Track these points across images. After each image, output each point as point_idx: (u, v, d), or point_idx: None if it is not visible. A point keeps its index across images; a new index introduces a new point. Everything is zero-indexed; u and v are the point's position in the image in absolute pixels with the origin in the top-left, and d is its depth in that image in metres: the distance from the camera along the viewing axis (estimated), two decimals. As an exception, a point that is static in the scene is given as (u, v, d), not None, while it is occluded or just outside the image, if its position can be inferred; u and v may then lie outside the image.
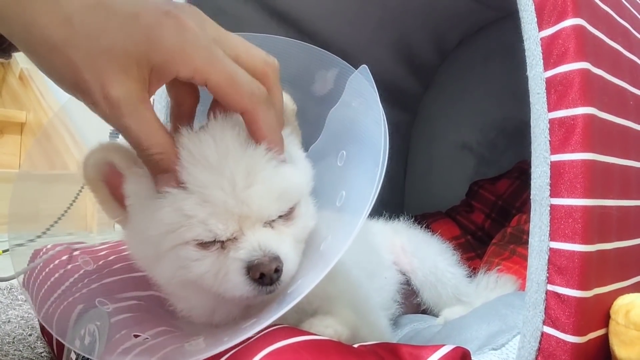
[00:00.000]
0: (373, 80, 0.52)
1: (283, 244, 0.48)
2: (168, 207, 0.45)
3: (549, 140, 0.48)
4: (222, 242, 0.47)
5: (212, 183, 0.45)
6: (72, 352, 0.62)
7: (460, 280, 0.79)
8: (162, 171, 0.46)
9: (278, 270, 0.46)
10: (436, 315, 0.78)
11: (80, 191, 0.84)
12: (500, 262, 0.89)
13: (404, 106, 1.39)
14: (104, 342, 0.57)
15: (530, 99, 0.50)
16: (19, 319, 0.99)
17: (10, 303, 1.11)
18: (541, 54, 0.49)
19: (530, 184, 0.49)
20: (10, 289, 1.21)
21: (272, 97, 0.48)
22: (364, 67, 0.54)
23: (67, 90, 0.44)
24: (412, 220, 0.92)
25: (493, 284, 0.82)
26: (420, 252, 0.80)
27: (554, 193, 0.48)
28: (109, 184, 0.52)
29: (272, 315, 0.40)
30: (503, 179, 1.20)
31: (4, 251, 1.71)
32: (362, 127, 0.52)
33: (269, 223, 0.49)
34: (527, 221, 1.01)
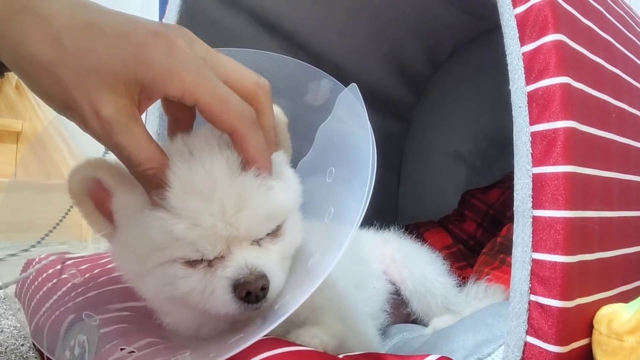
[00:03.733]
0: (362, 99, 0.53)
1: (270, 261, 0.48)
2: (157, 228, 0.46)
3: (531, 153, 0.49)
4: (210, 260, 0.48)
5: (202, 210, 0.45)
6: (62, 363, 0.63)
7: (450, 290, 0.80)
8: (156, 186, 0.46)
9: (264, 288, 0.47)
10: (426, 325, 0.78)
11: (64, 217, 0.85)
12: (490, 272, 0.90)
13: (397, 116, 1.40)
14: (93, 354, 0.57)
15: (513, 113, 0.51)
16: (12, 328, 0.99)
17: (4, 312, 1.11)
18: (523, 69, 0.50)
19: (517, 195, 0.50)
20: (4, 298, 1.21)
21: (261, 119, 0.48)
22: (353, 86, 0.55)
23: (57, 110, 0.44)
24: (404, 229, 0.92)
25: (482, 294, 0.82)
26: (409, 262, 0.80)
27: (536, 205, 0.49)
28: (94, 198, 0.52)
29: (257, 333, 0.41)
30: (494, 189, 1.21)
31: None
32: (351, 145, 0.53)
33: (256, 241, 0.49)
34: (517, 231, 1.01)
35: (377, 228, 0.92)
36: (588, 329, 0.51)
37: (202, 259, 0.47)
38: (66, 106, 0.42)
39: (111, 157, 0.48)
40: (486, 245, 1.04)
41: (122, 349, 0.52)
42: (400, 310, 0.79)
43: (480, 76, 1.30)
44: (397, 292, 0.79)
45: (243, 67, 0.48)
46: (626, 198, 0.58)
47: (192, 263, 0.48)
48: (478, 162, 1.32)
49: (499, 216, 1.15)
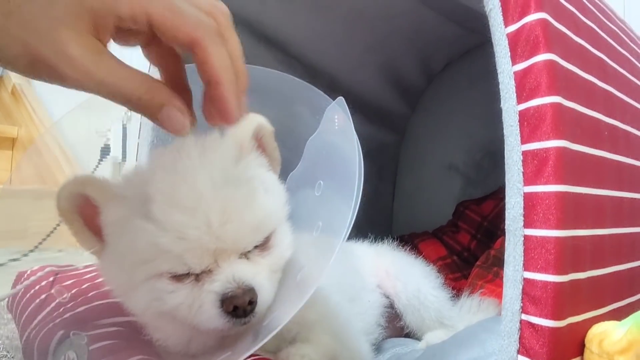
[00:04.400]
0: (349, 112, 0.53)
1: (258, 275, 0.48)
2: (144, 240, 0.46)
3: (522, 172, 0.49)
4: (197, 274, 0.48)
5: (187, 223, 0.45)
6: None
7: (443, 304, 0.80)
8: (159, 108, 0.44)
9: (252, 302, 0.47)
10: (419, 339, 0.78)
11: (53, 231, 0.84)
12: (484, 285, 0.90)
13: (391, 127, 1.40)
14: (83, 370, 0.57)
15: (504, 131, 0.51)
16: (4, 338, 0.98)
17: (-5, 323, 1.10)
18: (514, 88, 0.50)
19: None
20: (-4, 308, 1.20)
21: (224, 38, 0.45)
22: (341, 99, 0.56)
23: (27, 72, 0.42)
24: (398, 239, 0.92)
25: (476, 308, 0.82)
26: (403, 275, 0.80)
27: (527, 224, 0.49)
28: (83, 215, 0.52)
29: (245, 350, 0.41)
30: (488, 200, 1.21)
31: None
32: (339, 158, 0.53)
33: (245, 254, 0.49)
34: (511, 244, 1.01)
35: (372, 239, 0.92)
36: (579, 348, 0.51)
37: (189, 273, 0.47)
38: (34, 62, 0.41)
39: (100, 172, 0.48)
40: (480, 257, 1.04)
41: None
42: (394, 324, 0.79)
43: (474, 88, 1.30)
44: (391, 305, 0.79)
45: None
46: (618, 215, 0.58)
47: (179, 277, 0.47)
48: (472, 173, 1.32)
49: (493, 228, 1.15)
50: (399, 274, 0.80)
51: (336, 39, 1.09)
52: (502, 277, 0.91)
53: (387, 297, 0.79)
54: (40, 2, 0.39)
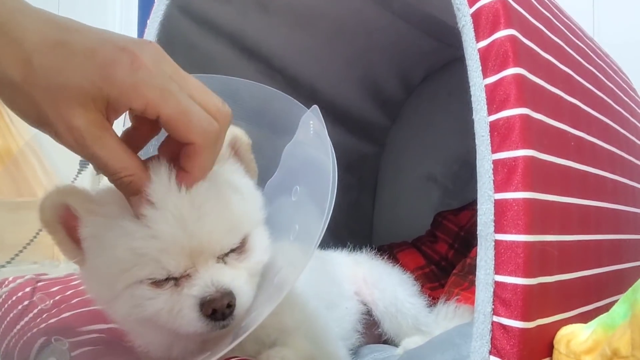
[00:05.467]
0: (323, 120, 0.55)
1: (237, 279, 0.50)
2: (120, 244, 0.47)
3: (493, 180, 0.52)
4: (176, 279, 0.49)
5: (157, 219, 0.47)
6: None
7: (420, 311, 0.82)
8: (134, 193, 0.47)
9: (231, 306, 0.48)
10: (397, 345, 0.80)
11: (33, 240, 0.84)
12: (460, 292, 0.92)
13: (372, 138, 1.43)
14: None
15: (476, 141, 0.54)
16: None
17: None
18: (485, 100, 0.53)
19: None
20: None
21: (219, 142, 0.49)
22: (315, 107, 0.57)
23: (32, 125, 0.46)
24: (378, 250, 0.94)
25: (452, 314, 0.84)
26: (381, 283, 0.82)
27: (498, 229, 0.51)
28: (65, 226, 0.53)
29: (223, 348, 0.42)
30: (465, 210, 1.24)
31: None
32: (314, 164, 0.55)
33: (222, 258, 0.50)
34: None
35: (351, 249, 0.93)
36: (549, 349, 0.53)
37: (168, 278, 0.48)
38: (40, 122, 0.44)
39: (78, 184, 0.49)
40: (457, 266, 1.06)
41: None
42: (372, 331, 0.81)
43: (452, 100, 1.34)
44: (368, 313, 0.81)
45: (210, 92, 0.49)
46: (584, 222, 0.61)
47: (158, 283, 0.48)
48: (450, 184, 1.35)
49: (470, 237, 1.18)
50: (377, 281, 0.82)
51: (317, 53, 1.11)
52: (477, 284, 0.94)
53: (365, 305, 0.81)
54: (60, 76, 0.42)
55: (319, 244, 0.46)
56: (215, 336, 0.50)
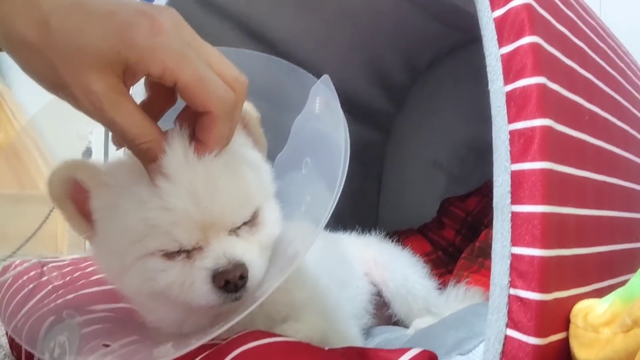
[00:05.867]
0: (334, 89, 0.54)
1: (249, 251, 0.49)
2: (131, 216, 0.46)
3: (509, 151, 0.51)
4: (188, 252, 0.48)
5: (171, 192, 0.46)
6: (41, 365, 0.61)
7: (430, 292, 0.81)
8: (152, 160, 0.46)
9: (243, 277, 0.47)
10: (407, 327, 0.79)
11: (51, 212, 0.84)
12: (469, 275, 0.91)
13: (377, 126, 1.42)
14: (74, 354, 0.56)
15: (492, 112, 0.53)
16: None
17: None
18: (501, 70, 0.52)
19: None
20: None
21: (236, 112, 0.48)
22: (326, 77, 0.57)
23: (49, 90, 0.45)
24: (384, 236, 0.93)
25: (462, 296, 0.84)
26: (391, 265, 0.81)
27: (514, 200, 0.50)
28: (75, 200, 0.52)
29: (235, 317, 0.41)
30: (472, 197, 1.23)
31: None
32: (325, 135, 0.54)
33: (234, 231, 0.50)
34: (495, 235, 1.03)
35: (359, 233, 0.93)
36: (565, 323, 0.52)
37: (180, 251, 0.48)
38: (57, 86, 0.43)
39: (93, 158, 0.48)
40: (465, 250, 1.05)
41: (104, 345, 0.51)
42: (382, 312, 0.80)
43: (458, 87, 1.33)
44: (379, 294, 0.80)
45: (227, 61, 0.48)
46: (599, 198, 0.60)
47: (170, 255, 0.48)
48: (456, 170, 1.34)
49: (477, 223, 1.17)
50: (387, 263, 0.81)
51: (322, 37, 1.11)
52: (487, 267, 0.93)
53: (375, 286, 0.80)
54: (78, 38, 0.41)
55: (326, 224, 0.46)
56: (227, 310, 0.50)
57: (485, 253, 0.97)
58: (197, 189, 0.47)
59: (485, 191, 1.21)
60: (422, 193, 1.39)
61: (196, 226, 0.47)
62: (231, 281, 0.47)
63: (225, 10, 0.95)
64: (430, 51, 1.33)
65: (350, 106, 1.28)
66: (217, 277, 0.47)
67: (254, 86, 0.60)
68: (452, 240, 1.20)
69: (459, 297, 0.84)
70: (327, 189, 0.48)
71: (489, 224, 1.10)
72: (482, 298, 0.82)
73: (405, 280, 0.80)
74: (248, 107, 0.58)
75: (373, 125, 1.41)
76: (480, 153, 1.29)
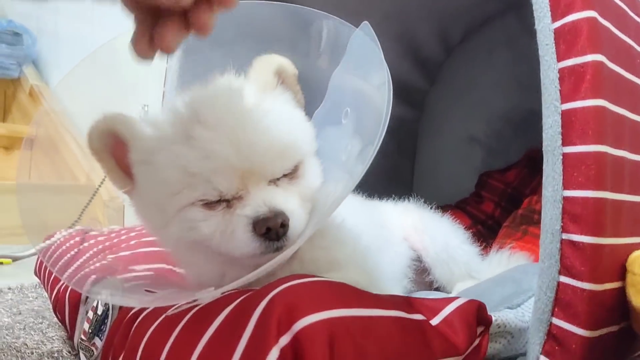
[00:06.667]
0: (376, 37, 0.53)
1: (289, 200, 0.48)
2: (171, 166, 0.46)
3: (559, 90, 0.48)
4: (228, 201, 0.48)
5: (212, 138, 0.46)
6: (85, 325, 0.62)
7: (472, 257, 0.79)
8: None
9: (284, 225, 0.47)
10: (449, 293, 0.77)
11: (90, 201, 0.85)
12: (513, 242, 0.88)
13: (410, 102, 1.40)
14: (117, 310, 0.57)
15: (540, 52, 0.50)
16: (29, 310, 0.99)
17: (22, 299, 1.11)
18: (549, 6, 0.49)
19: (540, 170, 0.49)
20: (21, 288, 1.21)
21: None
22: (366, 24, 0.55)
23: None
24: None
25: (506, 261, 0.81)
26: (431, 230, 0.79)
27: (565, 141, 0.48)
28: (114, 154, 0.52)
29: (276, 258, 0.41)
30: (512, 169, 1.20)
31: (14, 260, 1.73)
32: (366, 87, 0.53)
33: (274, 182, 0.49)
34: (538, 201, 1.00)
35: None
36: (621, 272, 0.50)
37: (220, 200, 0.47)
38: None
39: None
40: (507, 219, 1.02)
41: (147, 291, 0.51)
42: (423, 278, 0.78)
43: (493, 57, 1.29)
44: (418, 259, 0.78)
45: None
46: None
47: (211, 205, 0.47)
48: (494, 143, 1.31)
49: (518, 194, 1.14)
50: (427, 228, 0.79)
51: (354, 8, 1.08)
52: (531, 234, 0.90)
53: (415, 251, 0.78)
54: None
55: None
56: (268, 260, 0.49)
57: (528, 220, 0.94)
58: (238, 135, 0.46)
59: (525, 162, 1.18)
60: (457, 169, 1.36)
61: (236, 174, 0.47)
62: (272, 228, 0.46)
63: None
64: (464, 22, 1.30)
65: (383, 82, 1.27)
66: (257, 224, 0.46)
67: (277, 38, 0.59)
68: (492, 213, 1.17)
69: (502, 262, 0.81)
70: (368, 136, 0.47)
71: (530, 193, 1.07)
72: (528, 262, 0.79)
73: (446, 245, 0.78)
74: (286, 63, 0.57)
75: (406, 101, 1.39)
76: (518, 124, 1.25)
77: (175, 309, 0.46)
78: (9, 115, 2.99)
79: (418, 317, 0.43)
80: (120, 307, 0.56)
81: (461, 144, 1.36)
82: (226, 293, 0.44)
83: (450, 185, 1.35)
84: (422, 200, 1.31)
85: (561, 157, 0.48)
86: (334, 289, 0.40)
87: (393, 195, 1.39)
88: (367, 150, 0.47)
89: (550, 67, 0.49)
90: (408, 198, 1.10)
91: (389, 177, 1.37)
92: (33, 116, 2.92)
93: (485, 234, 1.14)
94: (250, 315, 0.38)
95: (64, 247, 0.73)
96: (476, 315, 0.46)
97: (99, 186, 0.83)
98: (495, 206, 1.17)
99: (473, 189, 1.28)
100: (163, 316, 0.45)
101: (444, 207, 1.26)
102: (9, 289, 1.19)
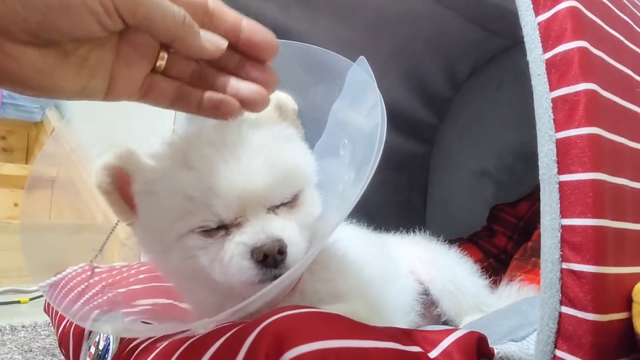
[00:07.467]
0: (371, 70, 0.54)
1: (287, 227, 0.49)
2: (171, 192, 0.47)
3: (553, 119, 0.49)
4: (227, 228, 0.48)
5: (214, 158, 0.47)
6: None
7: (481, 290, 0.77)
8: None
9: (282, 252, 0.47)
10: (457, 327, 0.75)
11: (107, 239, 0.86)
12: (523, 275, 0.87)
13: (420, 137, 1.40)
14: (118, 343, 0.57)
15: (532, 82, 0.51)
16: (40, 348, 1.00)
17: (34, 337, 1.12)
18: (539, 37, 0.50)
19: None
20: (34, 326, 1.22)
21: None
22: (362, 59, 0.56)
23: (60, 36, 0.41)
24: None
25: (515, 294, 0.79)
26: (438, 262, 0.79)
27: (561, 170, 0.48)
28: (118, 186, 0.54)
29: (270, 287, 0.41)
30: (523, 202, 1.19)
31: (31, 299, 1.74)
32: (362, 119, 0.54)
33: (273, 209, 0.49)
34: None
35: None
36: (626, 302, 0.48)
37: (219, 227, 0.48)
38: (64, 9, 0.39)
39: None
40: (517, 252, 1.01)
41: (143, 322, 0.51)
42: (430, 311, 0.77)
43: (502, 93, 1.30)
44: (425, 293, 0.77)
45: None
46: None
47: (210, 232, 0.48)
48: (504, 177, 1.30)
49: (529, 227, 1.12)
50: (433, 260, 0.79)
51: (359, 45, 1.11)
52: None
53: (422, 284, 0.77)
54: None
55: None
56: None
57: (538, 252, 0.92)
58: (239, 160, 0.47)
59: (536, 195, 1.16)
60: (469, 202, 1.35)
61: (235, 199, 0.47)
62: (270, 255, 0.46)
63: (263, 21, 0.98)
64: (471, 58, 1.31)
65: (392, 117, 1.27)
66: (255, 251, 0.47)
67: (288, 76, 0.61)
68: (504, 247, 1.16)
69: (512, 295, 0.79)
70: (362, 167, 0.47)
71: (541, 226, 1.05)
72: (537, 294, 0.77)
73: (453, 277, 0.76)
74: (286, 98, 0.59)
75: (416, 137, 1.40)
76: (528, 158, 1.25)
77: (171, 339, 0.46)
78: (31, 157, 3.07)
79: (415, 349, 0.42)
80: (121, 341, 0.56)
81: (472, 178, 1.36)
82: (223, 324, 0.43)
83: (462, 218, 1.34)
84: (435, 233, 1.31)
85: (557, 185, 0.48)
86: (326, 320, 0.39)
87: (403, 229, 1.39)
88: (362, 172, 0.48)
89: (543, 97, 0.49)
90: (418, 231, 1.10)
91: (401, 211, 1.36)
92: (54, 157, 3.00)
93: (498, 267, 1.12)
94: (241, 345, 0.37)
95: (73, 282, 0.73)
96: (476, 347, 0.45)
97: (116, 225, 0.84)
98: (508, 240, 1.16)
99: (484, 222, 1.27)
100: (159, 348, 0.45)
101: (455, 240, 1.25)
102: (23, 326, 1.21)
